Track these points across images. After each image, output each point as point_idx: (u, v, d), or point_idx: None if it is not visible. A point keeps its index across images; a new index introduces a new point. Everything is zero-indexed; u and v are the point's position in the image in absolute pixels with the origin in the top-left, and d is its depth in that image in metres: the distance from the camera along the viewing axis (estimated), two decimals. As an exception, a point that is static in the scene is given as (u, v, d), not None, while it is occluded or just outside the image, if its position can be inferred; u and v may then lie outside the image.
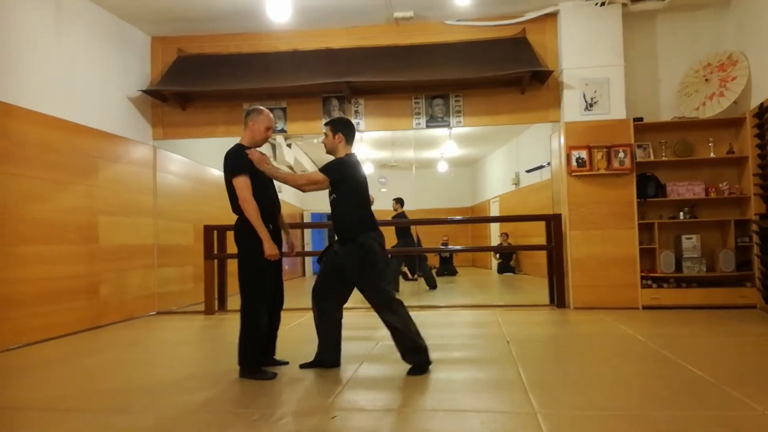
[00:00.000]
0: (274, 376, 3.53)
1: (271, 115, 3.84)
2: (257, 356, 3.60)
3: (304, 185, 3.73)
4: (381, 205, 9.80)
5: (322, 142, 3.83)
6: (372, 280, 3.59)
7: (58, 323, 5.31)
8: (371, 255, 3.56)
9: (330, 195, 3.74)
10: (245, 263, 3.62)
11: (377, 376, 3.55)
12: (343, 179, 3.66)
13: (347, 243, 3.65)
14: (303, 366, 3.76)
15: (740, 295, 6.03)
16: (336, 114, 6.92)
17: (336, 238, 3.77)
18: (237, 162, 3.60)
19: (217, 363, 4.07)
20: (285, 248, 3.94)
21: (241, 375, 3.55)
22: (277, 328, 3.88)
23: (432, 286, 9.21)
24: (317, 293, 3.80)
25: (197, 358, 4.59)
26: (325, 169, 3.68)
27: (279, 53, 6.98)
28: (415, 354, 3.57)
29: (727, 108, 6.04)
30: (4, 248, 4.72)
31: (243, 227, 3.60)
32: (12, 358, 4.39)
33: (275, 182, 3.81)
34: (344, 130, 3.77)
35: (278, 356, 3.90)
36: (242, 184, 3.53)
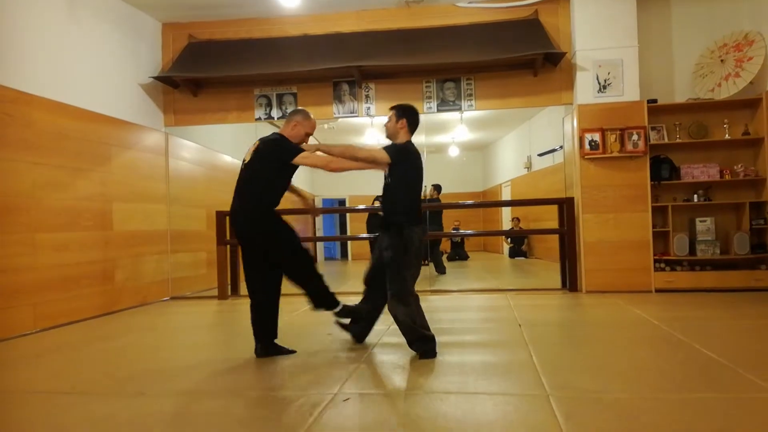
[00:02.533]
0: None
1: (315, 123, 3.89)
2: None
3: (364, 159, 3.65)
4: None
5: (385, 126, 3.79)
6: (398, 267, 3.56)
7: (74, 309, 5.38)
8: (409, 246, 3.55)
9: (385, 178, 3.70)
10: (288, 242, 3.72)
11: (389, 360, 3.57)
12: (403, 164, 3.62)
13: (392, 230, 3.61)
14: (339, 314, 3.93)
15: (755, 278, 5.98)
16: (346, 99, 6.90)
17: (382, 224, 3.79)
18: (291, 145, 3.67)
19: (231, 347, 4.12)
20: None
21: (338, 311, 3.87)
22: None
23: (440, 271, 9.23)
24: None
25: (211, 342, 4.64)
26: (388, 149, 3.62)
27: (289, 38, 6.96)
28: (421, 344, 3.57)
29: (742, 89, 5.95)
30: (21, 235, 4.78)
31: (265, 215, 3.67)
32: (29, 343, 4.47)
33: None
34: (409, 116, 3.71)
35: (285, 342, 3.89)
36: (307, 156, 3.61)
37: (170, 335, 4.88)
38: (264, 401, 2.79)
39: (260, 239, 3.66)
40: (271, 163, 3.64)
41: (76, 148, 5.49)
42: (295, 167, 3.69)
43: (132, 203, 6.33)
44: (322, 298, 3.83)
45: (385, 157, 3.57)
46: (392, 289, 3.56)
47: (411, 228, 3.58)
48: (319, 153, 3.66)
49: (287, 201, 3.91)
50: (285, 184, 3.79)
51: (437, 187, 9.46)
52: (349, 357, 3.65)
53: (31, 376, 3.50)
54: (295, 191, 4.02)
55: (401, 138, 3.71)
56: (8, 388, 3.25)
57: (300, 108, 3.83)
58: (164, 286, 6.92)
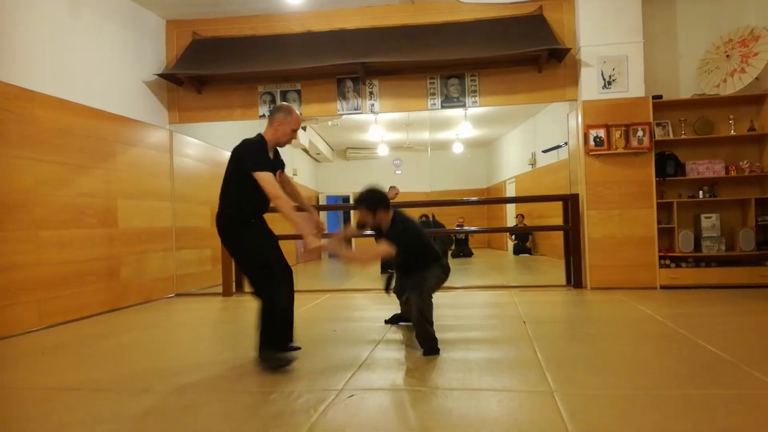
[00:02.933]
0: (291, 360, 3.42)
1: (299, 116, 3.69)
2: (284, 336, 3.53)
3: (374, 259, 3.83)
4: (398, 187, 9.78)
5: (367, 223, 3.76)
6: (424, 280, 3.74)
7: (80, 305, 5.40)
8: (443, 272, 3.87)
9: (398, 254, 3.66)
10: (242, 252, 3.50)
11: (393, 357, 3.57)
12: (405, 241, 3.65)
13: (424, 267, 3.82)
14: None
15: (760, 275, 5.96)
16: (350, 96, 6.90)
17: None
18: (259, 156, 3.41)
19: (235, 344, 4.12)
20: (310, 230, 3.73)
21: (269, 365, 3.33)
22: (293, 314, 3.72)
23: None
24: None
25: (216, 339, 4.65)
26: (389, 239, 3.59)
27: (293, 35, 6.96)
28: (424, 341, 3.62)
29: (748, 84, 5.92)
30: (26, 232, 4.80)
31: (230, 221, 3.47)
32: (34, 340, 4.49)
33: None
34: (379, 204, 3.65)
35: (297, 333, 3.87)
36: (269, 179, 3.33)
37: (175, 332, 4.90)
38: (269, 398, 2.79)
39: (227, 248, 3.59)
40: (235, 172, 3.45)
41: (79, 145, 5.50)
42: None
43: (136, 200, 6.35)
44: (264, 333, 3.41)
45: (388, 250, 3.58)
46: (413, 286, 3.74)
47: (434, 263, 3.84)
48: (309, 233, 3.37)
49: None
50: (257, 194, 3.38)
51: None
52: (353, 353, 3.65)
53: (35, 372, 3.52)
54: (309, 209, 3.94)
55: (386, 219, 3.70)
56: (13, 384, 3.27)
57: (281, 104, 3.59)
58: (169, 283, 6.94)
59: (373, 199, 3.66)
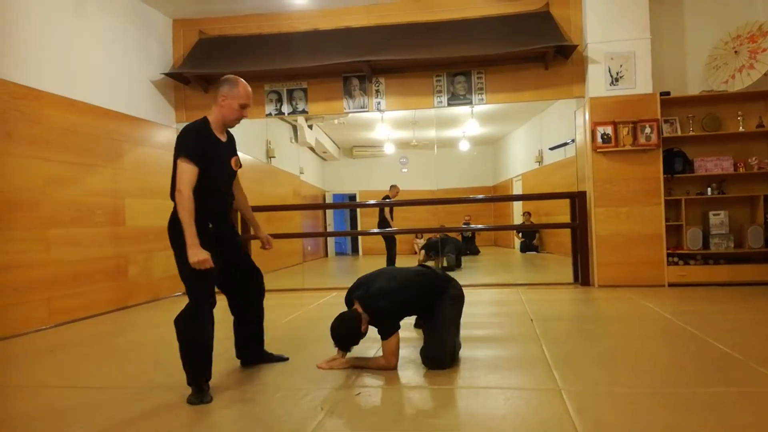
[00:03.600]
0: (210, 400, 2.79)
1: (249, 88, 3.12)
2: (201, 368, 2.90)
3: (395, 361, 3.22)
4: (402, 185, 9.79)
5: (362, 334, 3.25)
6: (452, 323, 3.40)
7: (88, 304, 5.43)
8: (455, 305, 3.46)
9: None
10: (181, 264, 2.90)
11: (400, 354, 3.56)
12: (403, 314, 3.32)
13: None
14: None
15: (769, 272, 5.93)
16: (357, 94, 6.89)
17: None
18: (188, 140, 2.91)
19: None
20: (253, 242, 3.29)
21: (189, 400, 2.80)
22: (258, 323, 3.47)
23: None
24: None
25: (222, 337, 4.63)
26: (384, 335, 3.19)
27: (299, 33, 6.97)
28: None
29: (757, 80, 5.87)
30: (34, 231, 4.83)
31: (176, 226, 2.87)
32: (44, 338, 4.51)
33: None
34: (357, 336, 3.20)
35: (296, 336, 3.76)
36: (186, 169, 2.83)
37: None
38: (276, 395, 2.80)
39: (175, 247, 2.97)
40: (174, 162, 2.91)
41: (86, 144, 5.53)
42: (210, 167, 2.95)
43: (144, 199, 6.37)
44: (183, 358, 2.91)
45: (394, 342, 3.18)
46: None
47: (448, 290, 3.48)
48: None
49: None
50: (212, 189, 3.00)
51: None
52: (361, 351, 3.64)
53: (45, 370, 3.54)
54: (254, 224, 3.53)
55: (366, 318, 3.22)
56: (23, 383, 3.29)
57: (226, 76, 3.10)
58: (176, 281, 6.87)
59: (349, 338, 3.20)
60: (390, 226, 9.28)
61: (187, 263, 2.81)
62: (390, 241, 9.55)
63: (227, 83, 3.07)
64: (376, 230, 9.39)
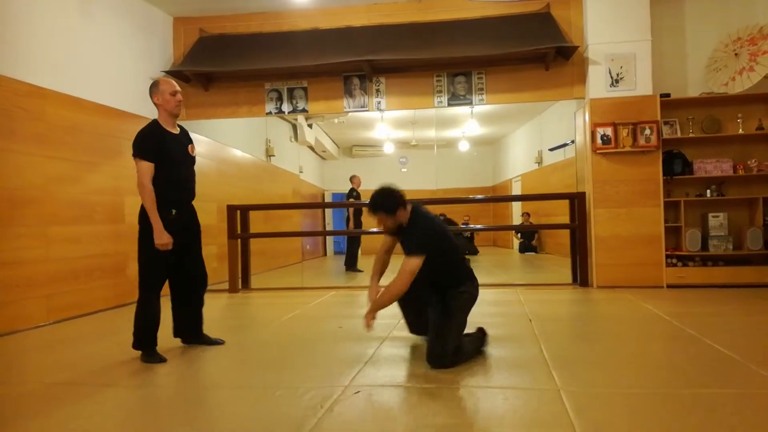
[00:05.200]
0: (163, 360, 3.47)
1: (169, 79, 3.73)
2: (150, 339, 3.53)
3: (409, 281, 3.22)
4: (402, 185, 9.78)
5: (382, 227, 3.44)
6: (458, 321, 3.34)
7: (87, 301, 5.43)
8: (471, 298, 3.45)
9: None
10: (140, 247, 3.52)
11: (399, 354, 3.57)
12: (432, 249, 3.27)
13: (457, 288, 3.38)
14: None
15: (768, 274, 5.94)
16: (357, 93, 6.89)
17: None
18: (144, 144, 3.49)
19: (241, 340, 4.14)
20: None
21: (141, 359, 3.50)
22: (199, 308, 3.86)
23: (348, 268, 9.39)
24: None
25: (221, 335, 4.65)
26: (410, 249, 3.25)
27: (300, 32, 6.97)
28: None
29: (757, 83, 5.88)
30: (35, 228, 4.83)
31: (144, 213, 3.49)
32: (43, 335, 4.51)
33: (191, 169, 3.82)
34: (396, 205, 3.32)
35: (295, 334, 3.90)
36: (143, 168, 3.43)
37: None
38: (275, 393, 2.80)
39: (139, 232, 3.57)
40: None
41: (88, 142, 5.52)
42: (169, 156, 3.55)
43: (143, 197, 6.36)
44: (135, 330, 3.56)
45: (417, 263, 3.21)
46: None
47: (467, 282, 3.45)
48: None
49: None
50: (172, 180, 3.56)
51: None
52: (359, 350, 3.65)
53: (43, 367, 3.54)
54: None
55: (405, 218, 3.38)
56: (22, 379, 3.29)
57: (150, 84, 3.70)
58: (175, 279, 6.94)
59: (390, 202, 3.31)
60: (349, 227, 9.44)
61: (145, 250, 3.45)
62: (352, 239, 9.63)
63: (153, 87, 3.66)
64: (374, 230, 9.38)
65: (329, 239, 14.61)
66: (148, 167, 3.43)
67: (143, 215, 3.46)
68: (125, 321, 5.09)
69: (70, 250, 5.24)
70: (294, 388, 2.86)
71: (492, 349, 3.61)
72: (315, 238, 13.71)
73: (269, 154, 10.30)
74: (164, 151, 3.50)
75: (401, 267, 3.24)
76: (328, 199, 14.23)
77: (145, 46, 6.60)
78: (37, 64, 4.95)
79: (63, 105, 5.20)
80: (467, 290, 3.41)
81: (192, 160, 3.78)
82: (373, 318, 3.37)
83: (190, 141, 3.79)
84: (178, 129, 3.73)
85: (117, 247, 5.88)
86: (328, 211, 14.24)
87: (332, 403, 2.62)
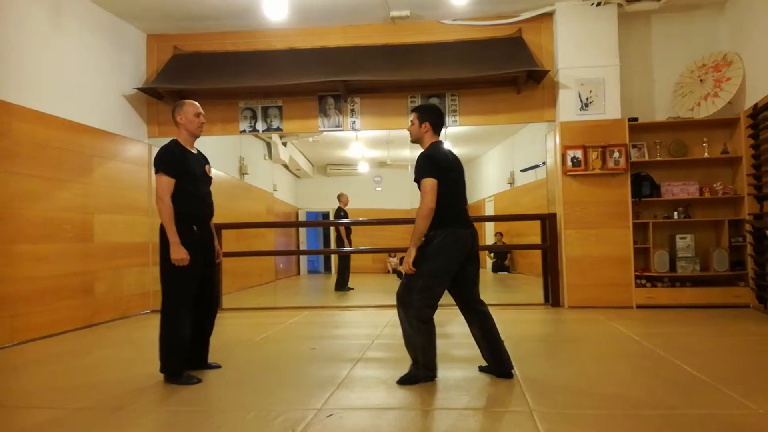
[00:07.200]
0: (198, 381, 3.41)
1: (194, 102, 3.72)
2: (179, 362, 3.44)
3: (430, 209, 3.25)
4: (376, 204, 9.81)
5: (408, 129, 3.59)
6: (429, 269, 3.28)
7: (53, 321, 5.28)
8: (453, 251, 3.33)
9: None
10: (164, 264, 3.46)
11: (372, 376, 3.55)
12: (439, 172, 3.31)
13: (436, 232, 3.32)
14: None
15: (734, 295, 6.06)
16: (332, 113, 6.92)
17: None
18: (166, 159, 3.50)
19: (212, 360, 4.06)
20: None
21: (165, 380, 3.42)
22: (209, 335, 3.77)
23: (338, 287, 9.32)
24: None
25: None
26: (420, 172, 3.30)
27: (275, 51, 6.97)
28: (412, 366, 3.36)
29: (721, 108, 6.07)
30: (0, 246, 4.71)
31: (161, 229, 3.48)
32: (7, 356, 4.38)
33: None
34: (432, 118, 3.47)
35: (267, 357, 3.84)
36: (163, 182, 3.44)
37: (148, 349, 4.77)
38: (246, 417, 2.75)
39: (160, 250, 3.53)
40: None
41: (56, 159, 5.42)
42: (190, 175, 3.54)
43: (113, 215, 6.26)
44: (161, 351, 3.45)
45: (431, 186, 3.25)
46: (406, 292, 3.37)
47: (450, 228, 3.34)
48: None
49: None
50: (191, 196, 3.55)
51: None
52: (332, 372, 3.62)
53: (6, 390, 3.43)
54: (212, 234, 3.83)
55: (426, 141, 3.49)
56: (-18, 403, 3.18)
57: (174, 105, 3.71)
58: (145, 299, 6.82)
59: (428, 114, 3.50)
60: (345, 245, 9.25)
61: (169, 267, 3.39)
62: (343, 260, 9.51)
63: (177, 107, 3.67)
64: (350, 249, 9.36)
65: (303, 258, 14.52)
66: (168, 182, 3.45)
67: (163, 232, 3.45)
68: (93, 343, 4.99)
69: (36, 269, 5.10)
70: (266, 411, 2.82)
71: (464, 371, 3.61)
72: (288, 257, 13.62)
73: (243, 172, 10.22)
74: (187, 168, 3.54)
75: (421, 191, 3.30)
76: (302, 217, 14.17)
77: (118, 62, 6.53)
78: (6, 80, 4.85)
79: (30, 120, 5.10)
80: (436, 238, 3.30)
81: (210, 180, 3.79)
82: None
83: (207, 162, 3.81)
84: (196, 150, 3.75)
85: (85, 267, 5.76)
86: (302, 230, 14.18)
87: (304, 427, 2.58)
